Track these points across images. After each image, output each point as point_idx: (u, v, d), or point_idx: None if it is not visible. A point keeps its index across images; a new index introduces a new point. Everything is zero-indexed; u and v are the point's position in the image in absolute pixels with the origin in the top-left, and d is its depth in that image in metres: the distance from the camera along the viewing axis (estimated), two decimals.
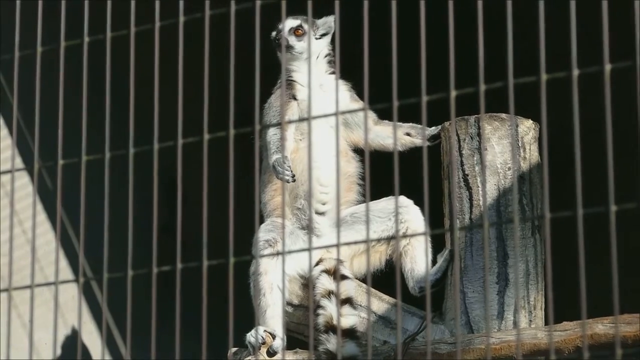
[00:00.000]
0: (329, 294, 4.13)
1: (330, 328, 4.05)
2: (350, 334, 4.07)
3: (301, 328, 4.37)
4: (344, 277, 4.20)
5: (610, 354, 3.59)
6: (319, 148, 4.28)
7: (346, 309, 4.11)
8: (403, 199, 4.32)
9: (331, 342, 4.03)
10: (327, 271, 4.20)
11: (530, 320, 4.02)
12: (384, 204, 4.38)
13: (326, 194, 4.39)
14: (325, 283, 4.17)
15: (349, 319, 4.10)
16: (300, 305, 4.36)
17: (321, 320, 4.08)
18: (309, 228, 4.31)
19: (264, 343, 4.06)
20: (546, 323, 4.01)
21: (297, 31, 4.46)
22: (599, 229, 2.47)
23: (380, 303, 4.29)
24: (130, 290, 2.64)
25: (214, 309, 2.78)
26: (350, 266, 4.36)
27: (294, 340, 4.36)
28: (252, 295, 4.21)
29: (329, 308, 4.09)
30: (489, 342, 3.80)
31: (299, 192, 4.36)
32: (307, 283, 4.28)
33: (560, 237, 3.19)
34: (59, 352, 5.31)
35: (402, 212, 4.32)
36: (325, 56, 4.53)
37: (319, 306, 4.12)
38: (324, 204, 4.40)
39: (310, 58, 4.31)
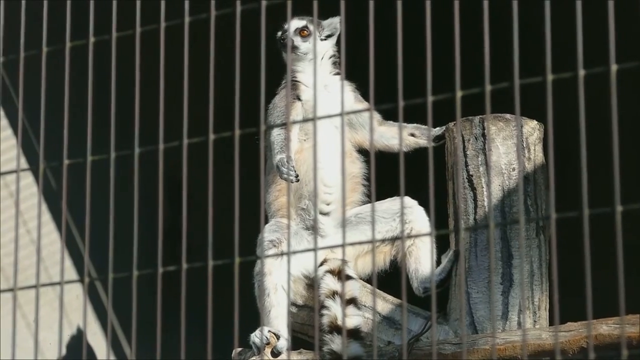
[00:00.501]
0: (333, 294, 4.13)
1: (335, 328, 4.05)
2: (354, 334, 4.07)
3: (305, 328, 4.37)
4: (348, 278, 4.20)
5: (615, 355, 3.59)
6: (323, 148, 4.28)
7: (350, 309, 4.11)
8: (408, 200, 4.31)
9: (335, 343, 4.03)
10: (331, 271, 4.20)
11: (535, 321, 4.02)
12: (389, 205, 4.38)
13: (330, 195, 4.39)
14: (329, 283, 4.17)
15: (354, 319, 4.10)
16: (305, 305, 4.36)
17: (325, 320, 4.08)
18: (313, 228, 4.30)
19: (268, 343, 4.06)
20: (551, 323, 4.01)
21: (302, 32, 4.45)
22: (602, 229, 2.47)
23: (385, 303, 4.29)
24: (135, 290, 2.64)
25: (219, 309, 2.78)
26: (355, 266, 4.35)
27: (299, 341, 4.36)
28: (256, 295, 4.21)
29: (334, 308, 4.09)
30: (494, 342, 3.80)
31: (303, 192, 4.36)
32: (312, 283, 4.27)
33: (564, 237, 3.19)
34: (63, 352, 5.31)
35: (406, 212, 4.31)
36: (330, 57, 4.52)
37: (323, 306, 4.11)
38: (328, 204, 4.40)
39: (316, 59, 4.31)
